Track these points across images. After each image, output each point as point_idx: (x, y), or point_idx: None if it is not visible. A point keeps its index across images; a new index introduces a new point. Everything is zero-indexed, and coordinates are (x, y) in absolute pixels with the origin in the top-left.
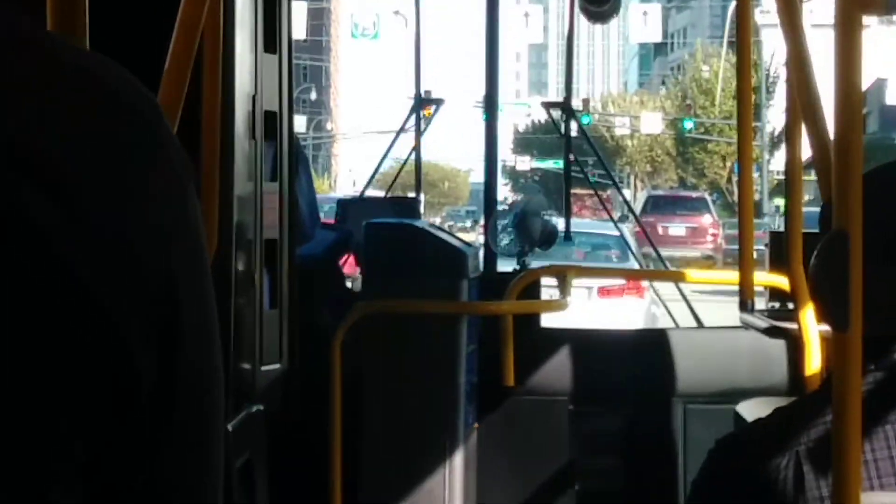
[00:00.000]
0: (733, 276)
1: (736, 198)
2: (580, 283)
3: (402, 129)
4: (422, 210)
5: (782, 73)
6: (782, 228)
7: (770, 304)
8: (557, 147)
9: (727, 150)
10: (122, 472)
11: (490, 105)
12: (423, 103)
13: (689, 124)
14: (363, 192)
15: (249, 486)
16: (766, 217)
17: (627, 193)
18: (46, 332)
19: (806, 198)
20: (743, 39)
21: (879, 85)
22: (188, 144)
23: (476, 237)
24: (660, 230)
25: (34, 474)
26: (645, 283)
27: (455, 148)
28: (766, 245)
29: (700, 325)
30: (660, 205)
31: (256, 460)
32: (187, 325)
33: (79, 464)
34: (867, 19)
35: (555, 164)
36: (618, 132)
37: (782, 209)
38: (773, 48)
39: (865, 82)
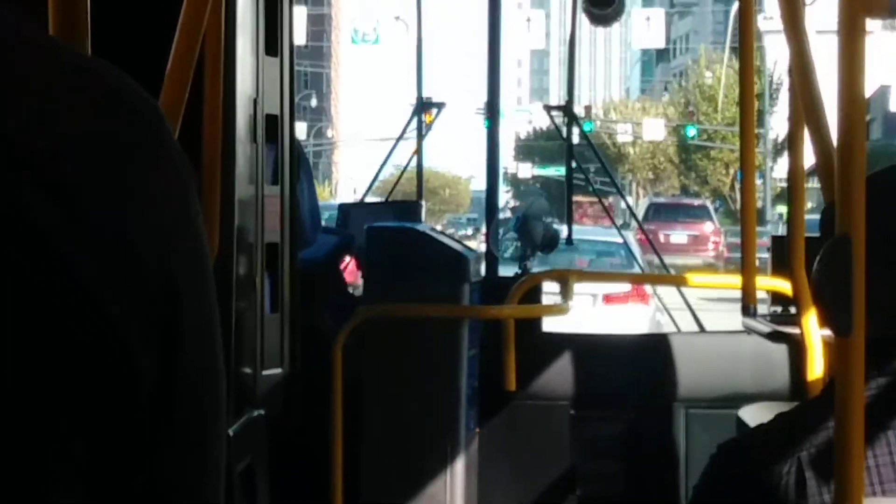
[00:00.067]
0: (736, 280)
1: (739, 205)
2: (586, 289)
3: (402, 135)
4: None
5: (785, 80)
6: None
7: (772, 309)
8: (559, 154)
9: (730, 157)
10: (122, 472)
11: (492, 111)
12: (424, 107)
13: (691, 131)
14: (364, 197)
15: (250, 490)
16: (769, 225)
17: (629, 201)
18: (46, 331)
19: (809, 205)
20: (746, 45)
21: (883, 92)
22: (189, 147)
23: (477, 245)
24: (661, 238)
25: (34, 474)
26: (650, 290)
27: (456, 155)
28: (768, 250)
29: (702, 329)
30: (661, 212)
31: (257, 465)
32: (188, 325)
33: (79, 464)
34: (870, 25)
35: (556, 171)
36: (620, 139)
37: (785, 217)
38: (776, 54)
39: (869, 89)
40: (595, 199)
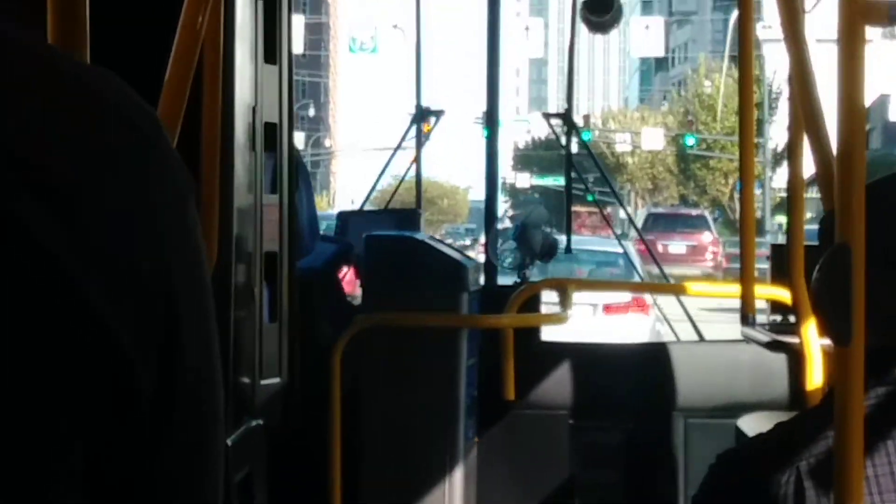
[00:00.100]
0: (735, 289)
1: (738, 216)
2: (586, 299)
3: (400, 144)
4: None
5: (785, 89)
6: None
7: (771, 318)
8: (557, 164)
9: (729, 166)
10: (122, 473)
11: (491, 120)
12: (423, 115)
13: (690, 140)
14: (362, 206)
15: (249, 500)
16: (769, 235)
17: (628, 211)
18: (44, 336)
19: (808, 215)
20: (745, 54)
21: (882, 101)
22: (188, 155)
23: (476, 255)
24: (659, 248)
25: (34, 474)
26: (649, 301)
27: (454, 165)
28: (768, 258)
29: (701, 338)
30: (659, 222)
31: (256, 474)
32: (186, 332)
33: (79, 464)
34: (870, 34)
35: (555, 180)
36: (618, 148)
37: (784, 227)
38: (775, 63)
39: (869, 98)
40: (594, 209)
